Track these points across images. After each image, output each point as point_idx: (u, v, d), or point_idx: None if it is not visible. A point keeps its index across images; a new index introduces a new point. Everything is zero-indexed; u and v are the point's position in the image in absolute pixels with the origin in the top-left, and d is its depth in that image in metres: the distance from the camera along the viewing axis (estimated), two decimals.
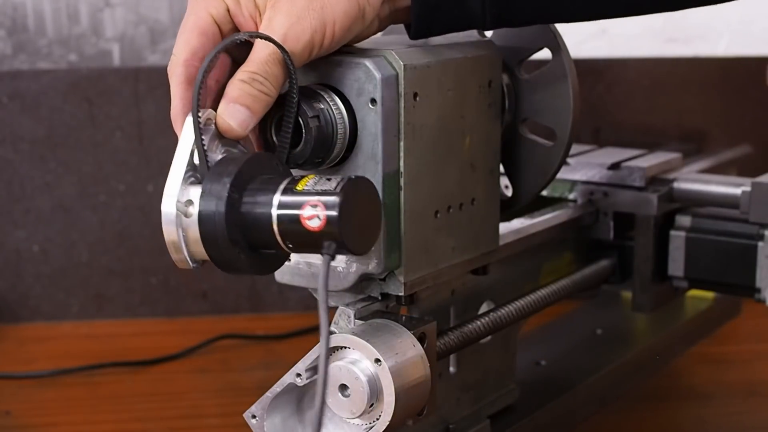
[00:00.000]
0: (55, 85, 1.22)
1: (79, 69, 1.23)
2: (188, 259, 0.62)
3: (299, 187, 0.60)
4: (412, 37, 0.70)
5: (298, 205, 0.59)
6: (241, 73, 0.63)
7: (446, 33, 0.71)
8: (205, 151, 0.61)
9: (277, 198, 0.59)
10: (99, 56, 1.25)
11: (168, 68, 0.65)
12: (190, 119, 0.62)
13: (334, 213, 0.58)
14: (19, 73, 1.23)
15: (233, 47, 0.65)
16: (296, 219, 0.59)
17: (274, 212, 0.59)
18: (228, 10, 0.65)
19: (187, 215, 0.60)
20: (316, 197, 0.59)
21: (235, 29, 0.65)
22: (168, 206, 0.61)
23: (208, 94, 0.65)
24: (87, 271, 1.26)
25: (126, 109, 1.22)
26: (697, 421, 0.99)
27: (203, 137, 0.62)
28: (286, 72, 0.63)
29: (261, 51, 0.63)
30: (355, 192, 0.59)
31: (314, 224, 0.58)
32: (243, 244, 0.60)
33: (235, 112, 0.62)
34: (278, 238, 0.60)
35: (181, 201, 0.61)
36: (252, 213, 0.60)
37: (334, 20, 0.63)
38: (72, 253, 1.25)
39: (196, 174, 0.61)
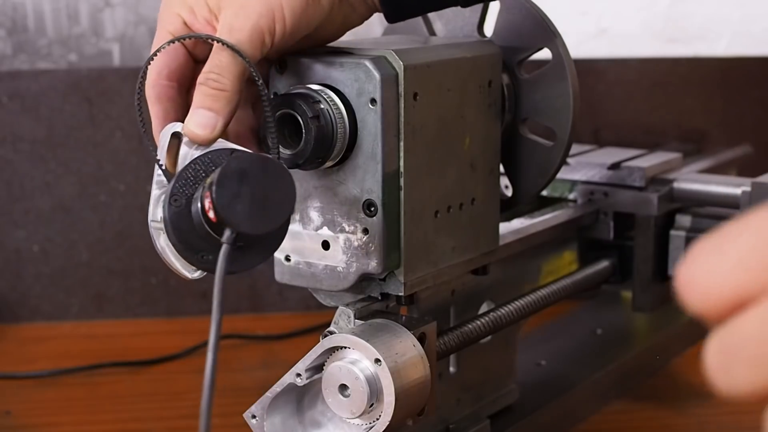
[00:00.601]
0: (55, 85, 1.22)
1: (79, 69, 1.23)
2: (183, 271, 0.62)
3: (208, 180, 0.59)
4: (388, 21, 0.70)
5: (204, 199, 0.58)
6: (199, 77, 0.63)
7: (420, 14, 0.71)
8: (161, 165, 0.62)
9: (199, 195, 0.59)
10: (99, 56, 1.25)
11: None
12: (162, 134, 0.63)
13: (215, 201, 0.57)
14: (19, 73, 1.23)
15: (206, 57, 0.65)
16: (205, 213, 0.58)
17: (198, 210, 0.59)
18: (185, 23, 0.65)
19: (164, 232, 0.61)
20: (207, 188, 0.58)
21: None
22: (151, 229, 0.62)
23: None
24: (87, 271, 1.26)
25: (126, 109, 1.22)
26: (697, 421, 0.99)
27: (184, 150, 0.62)
28: (241, 64, 0.63)
29: (214, 50, 0.63)
30: (234, 173, 0.57)
31: (212, 215, 0.58)
32: (205, 245, 0.60)
33: (198, 117, 0.62)
34: (214, 235, 0.59)
35: (156, 221, 0.61)
36: (196, 214, 0.60)
37: (281, 4, 0.63)
38: (72, 253, 1.25)
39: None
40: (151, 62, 0.64)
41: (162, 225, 0.61)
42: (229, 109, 0.63)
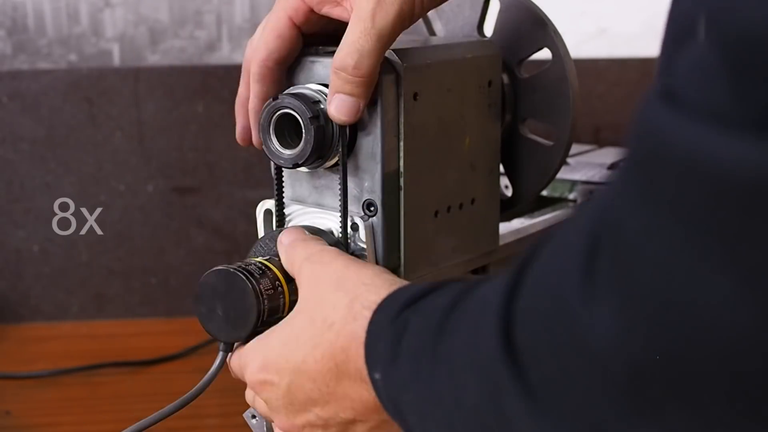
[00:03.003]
0: (55, 85, 1.22)
1: (79, 69, 1.23)
2: None
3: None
4: None
5: None
6: (335, 61, 0.63)
7: None
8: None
9: None
10: (99, 56, 1.25)
11: (245, 57, 0.67)
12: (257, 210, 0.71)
13: (197, 315, 0.65)
14: (19, 73, 1.23)
15: (304, 20, 0.65)
16: None
17: None
18: (311, 9, 0.65)
19: None
20: None
21: (320, 20, 0.66)
22: None
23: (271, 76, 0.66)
24: (87, 271, 1.26)
25: (126, 109, 1.22)
26: None
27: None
28: (382, 49, 0.63)
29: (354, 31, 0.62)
30: (208, 290, 0.64)
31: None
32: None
33: (339, 102, 0.63)
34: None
35: None
36: None
37: None
38: (72, 253, 1.25)
39: None
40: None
41: None
42: (369, 92, 0.63)
